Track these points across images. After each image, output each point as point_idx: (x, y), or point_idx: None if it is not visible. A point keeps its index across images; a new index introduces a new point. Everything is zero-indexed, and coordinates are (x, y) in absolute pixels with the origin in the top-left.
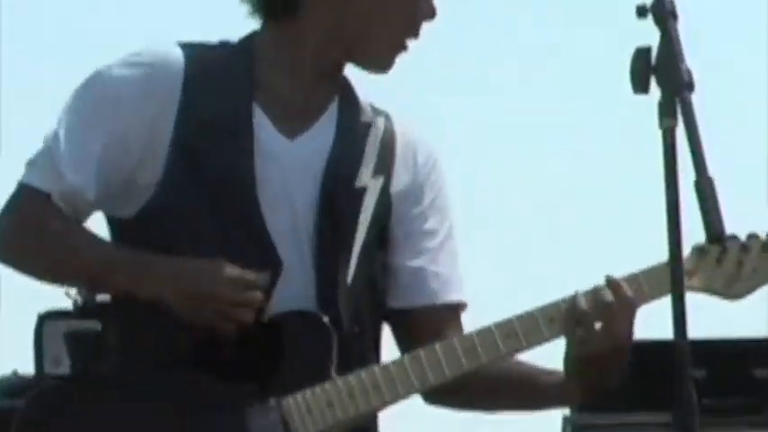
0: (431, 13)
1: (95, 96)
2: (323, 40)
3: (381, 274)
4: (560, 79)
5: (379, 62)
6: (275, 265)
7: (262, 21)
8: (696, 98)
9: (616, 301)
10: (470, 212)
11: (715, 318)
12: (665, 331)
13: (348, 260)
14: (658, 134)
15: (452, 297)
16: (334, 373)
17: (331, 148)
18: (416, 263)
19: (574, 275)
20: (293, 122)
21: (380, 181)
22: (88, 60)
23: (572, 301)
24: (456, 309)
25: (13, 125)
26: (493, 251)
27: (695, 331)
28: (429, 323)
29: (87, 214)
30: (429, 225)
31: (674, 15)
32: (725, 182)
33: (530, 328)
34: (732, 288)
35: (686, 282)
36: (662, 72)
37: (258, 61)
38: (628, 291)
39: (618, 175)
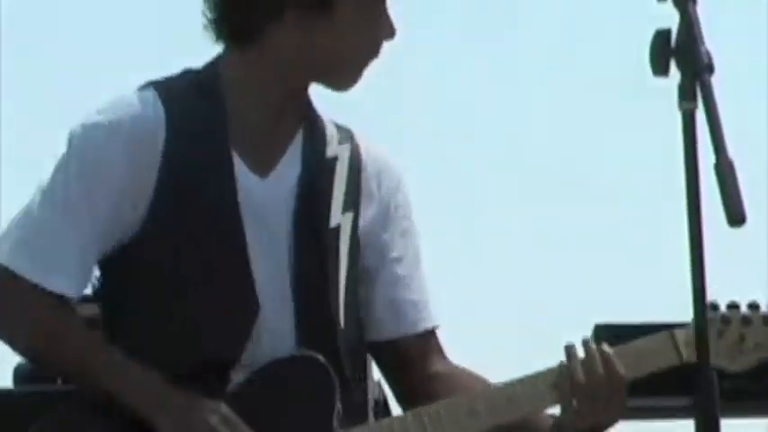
0: (392, 33)
1: (79, 173)
2: (289, 65)
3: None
4: (577, 64)
5: (345, 84)
6: (253, 310)
7: (225, 46)
8: (715, 80)
9: (606, 378)
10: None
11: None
12: (686, 315)
13: (338, 301)
14: (678, 116)
15: (430, 324)
16: (336, 426)
17: (298, 187)
18: (390, 293)
19: (597, 261)
20: (262, 158)
21: (350, 216)
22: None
23: (568, 372)
24: (434, 332)
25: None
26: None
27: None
28: (411, 352)
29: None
30: (397, 252)
31: None
32: (745, 165)
33: (531, 394)
34: (734, 362)
35: (686, 356)
36: (681, 54)
37: (227, 89)
38: (620, 368)
39: (636, 159)
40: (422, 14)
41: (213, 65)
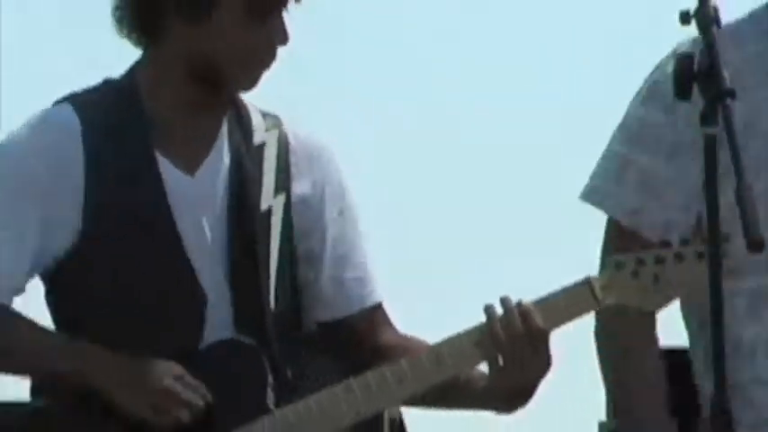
0: (284, 40)
1: (5, 189)
2: (186, 66)
3: (301, 290)
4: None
5: (240, 86)
6: (201, 301)
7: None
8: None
9: (526, 332)
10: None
11: None
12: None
13: (268, 284)
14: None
15: (376, 298)
16: (271, 405)
17: (229, 177)
18: (334, 272)
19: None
20: (189, 155)
21: (282, 198)
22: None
23: (489, 329)
24: (380, 306)
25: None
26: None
27: None
28: (360, 328)
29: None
30: (337, 231)
31: (717, 22)
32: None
33: (457, 354)
34: (649, 301)
35: (601, 297)
36: (704, 79)
37: (144, 92)
38: (538, 320)
39: None
40: None
41: (131, 70)
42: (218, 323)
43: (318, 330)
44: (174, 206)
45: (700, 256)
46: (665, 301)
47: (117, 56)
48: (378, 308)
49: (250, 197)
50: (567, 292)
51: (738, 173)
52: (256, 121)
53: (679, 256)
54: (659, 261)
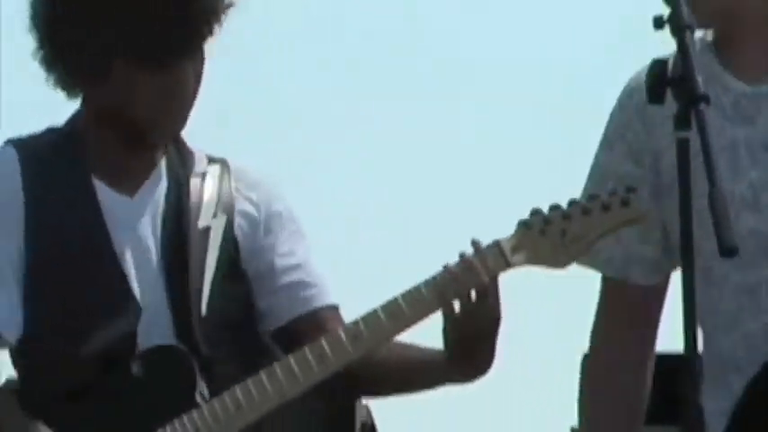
0: (192, 83)
1: None
2: (108, 122)
3: (251, 303)
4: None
5: (166, 133)
6: (135, 311)
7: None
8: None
9: (484, 272)
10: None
11: None
12: (674, 344)
13: (200, 294)
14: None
15: (327, 300)
16: (200, 400)
17: (166, 198)
18: (285, 280)
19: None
20: (128, 180)
21: (223, 219)
22: None
23: (445, 273)
24: (335, 309)
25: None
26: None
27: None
28: (312, 330)
29: None
30: (285, 248)
31: (690, 28)
32: None
33: (416, 303)
34: (557, 257)
35: (511, 258)
36: (677, 84)
37: (86, 138)
38: (487, 259)
39: None
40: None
41: (72, 118)
42: (155, 331)
43: (273, 340)
44: (111, 224)
45: (605, 207)
46: (574, 255)
47: None
48: (327, 311)
49: (186, 215)
50: (479, 254)
51: (711, 178)
52: (199, 156)
53: (586, 210)
54: (566, 217)
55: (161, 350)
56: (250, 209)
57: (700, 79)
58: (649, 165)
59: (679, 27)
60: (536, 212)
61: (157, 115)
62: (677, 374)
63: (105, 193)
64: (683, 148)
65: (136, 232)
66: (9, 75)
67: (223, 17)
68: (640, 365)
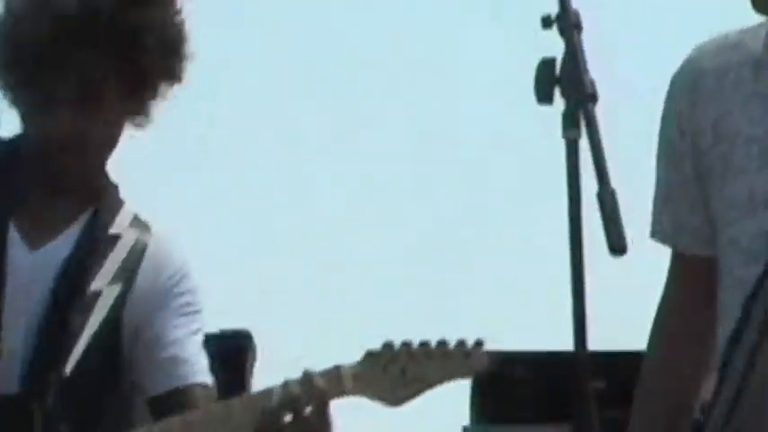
0: (64, 127)
1: None
2: (37, 155)
3: (121, 371)
4: (458, 87)
5: (68, 175)
6: None
7: None
8: (600, 109)
9: (304, 394)
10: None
11: (616, 329)
12: (565, 342)
13: (69, 353)
14: (562, 144)
15: (200, 378)
16: None
17: (66, 257)
18: (164, 354)
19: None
20: (42, 234)
21: (118, 288)
22: None
23: (266, 395)
24: (205, 387)
25: None
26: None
27: (596, 343)
28: (181, 405)
29: None
30: (176, 322)
31: (578, 27)
32: (629, 194)
33: (228, 417)
34: (395, 394)
35: (350, 388)
36: (566, 83)
37: (21, 165)
38: (320, 383)
39: (520, 186)
40: None
41: (18, 137)
42: (5, 378)
43: (152, 409)
44: (9, 274)
45: (447, 356)
46: (410, 396)
47: None
48: (201, 388)
49: (77, 276)
50: (323, 375)
51: (600, 177)
52: (122, 217)
53: (429, 355)
54: (411, 357)
55: (3, 397)
56: (153, 281)
57: (588, 78)
58: (690, 141)
59: (567, 26)
60: (387, 345)
61: (48, 158)
62: (566, 372)
63: (14, 242)
64: (571, 148)
65: (27, 285)
66: None
67: None
68: (704, 337)
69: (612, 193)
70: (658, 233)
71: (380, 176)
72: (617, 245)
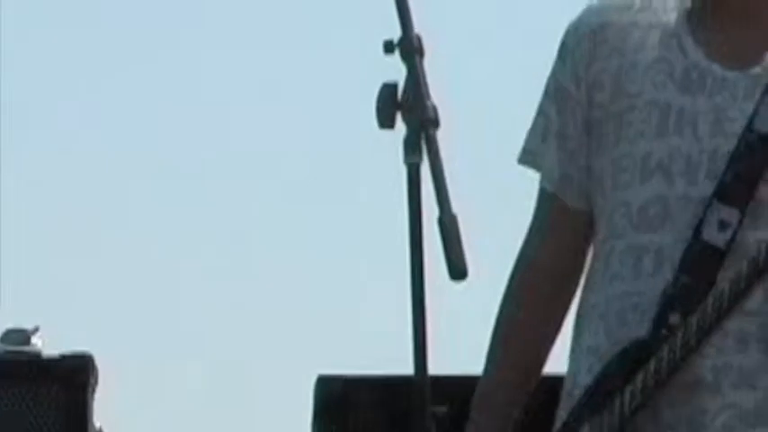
0: None
1: None
2: None
3: None
4: (297, 110)
5: None
6: None
7: None
8: (442, 134)
9: None
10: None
11: (459, 353)
12: (407, 368)
13: None
14: (403, 170)
15: None
16: None
17: None
18: None
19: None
20: None
21: None
22: None
23: None
24: None
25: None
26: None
27: (438, 367)
28: None
29: None
30: None
31: (420, 52)
32: (469, 219)
33: None
34: None
35: None
36: (407, 108)
37: None
38: None
39: (362, 210)
40: None
41: None
42: None
43: None
44: None
45: None
46: None
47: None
48: None
49: None
50: None
51: (441, 202)
52: None
53: None
54: None
55: None
56: None
57: (430, 103)
58: (585, 91)
59: (409, 52)
60: None
61: None
62: (407, 397)
63: None
64: (412, 172)
65: None
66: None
67: None
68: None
69: (453, 219)
70: (543, 171)
71: (224, 200)
72: (457, 270)
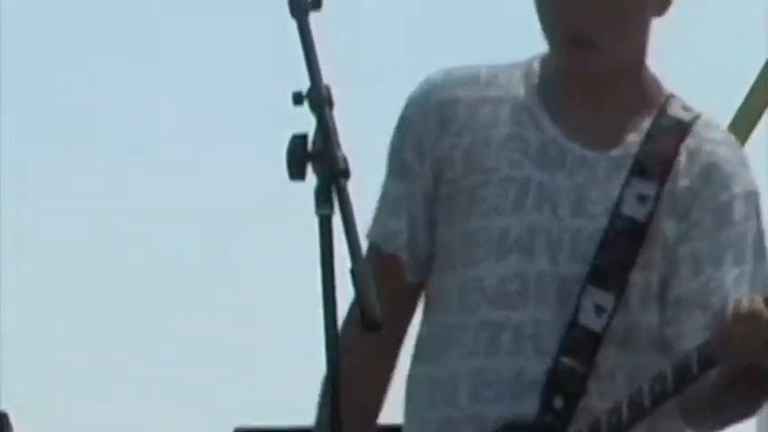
0: None
1: None
2: None
3: None
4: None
5: None
6: None
7: None
8: (353, 185)
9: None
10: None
11: None
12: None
13: None
14: (315, 222)
15: None
16: None
17: None
18: None
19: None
20: None
21: None
22: None
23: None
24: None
25: None
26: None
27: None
28: None
29: None
30: None
31: (330, 103)
32: None
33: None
34: None
35: None
36: (318, 159)
37: None
38: None
39: (274, 262)
40: None
41: None
42: None
43: None
44: None
45: None
46: None
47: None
48: None
49: None
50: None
51: (353, 253)
52: None
53: None
54: None
55: None
56: None
57: (340, 154)
58: (429, 166)
59: (318, 102)
60: None
61: None
62: None
63: None
64: (324, 223)
65: None
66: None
67: None
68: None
69: (365, 269)
70: (388, 235)
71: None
72: (370, 321)
